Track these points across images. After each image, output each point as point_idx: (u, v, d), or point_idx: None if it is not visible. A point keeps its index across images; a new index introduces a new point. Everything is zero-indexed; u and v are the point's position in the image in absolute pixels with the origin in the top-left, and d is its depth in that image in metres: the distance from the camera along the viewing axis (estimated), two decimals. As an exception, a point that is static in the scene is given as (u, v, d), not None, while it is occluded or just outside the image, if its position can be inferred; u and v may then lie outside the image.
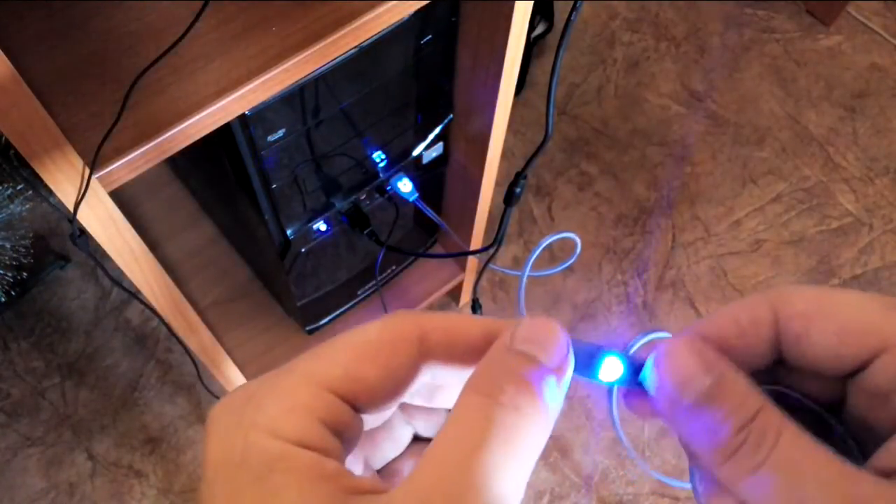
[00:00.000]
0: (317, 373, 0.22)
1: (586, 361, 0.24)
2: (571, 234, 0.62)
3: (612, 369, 0.25)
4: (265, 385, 0.22)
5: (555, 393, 0.22)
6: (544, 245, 0.58)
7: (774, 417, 0.21)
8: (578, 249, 0.63)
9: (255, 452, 0.20)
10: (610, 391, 0.30)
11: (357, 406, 0.22)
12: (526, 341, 0.22)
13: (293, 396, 0.21)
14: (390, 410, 0.25)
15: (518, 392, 0.21)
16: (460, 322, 0.24)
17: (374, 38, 0.58)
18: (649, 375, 0.24)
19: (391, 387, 0.23)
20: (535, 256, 0.54)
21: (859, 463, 0.21)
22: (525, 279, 0.54)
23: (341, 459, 0.21)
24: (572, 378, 0.24)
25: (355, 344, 0.23)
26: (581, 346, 0.24)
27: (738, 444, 0.21)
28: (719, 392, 0.22)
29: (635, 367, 0.24)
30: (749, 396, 0.22)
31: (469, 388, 0.22)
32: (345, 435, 0.22)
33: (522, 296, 0.57)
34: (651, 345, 0.25)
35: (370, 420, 0.25)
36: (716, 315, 0.24)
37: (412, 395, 0.25)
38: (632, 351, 0.25)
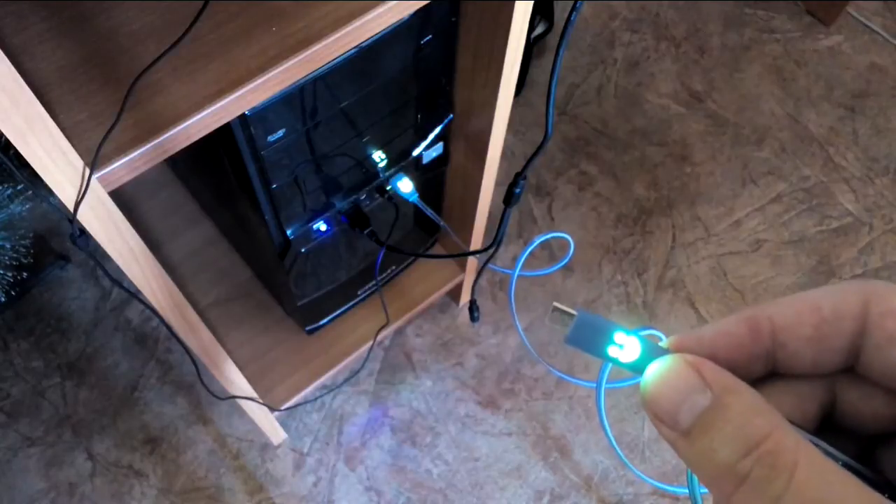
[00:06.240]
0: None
1: (600, 338, 0.22)
2: (564, 234, 0.61)
3: (627, 349, 0.22)
4: None
5: None
6: (536, 244, 0.58)
7: (790, 440, 0.18)
8: (572, 249, 0.63)
9: None
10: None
11: None
12: None
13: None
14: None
15: None
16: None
17: (374, 38, 0.58)
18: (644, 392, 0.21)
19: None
20: (525, 256, 0.54)
21: None
22: (515, 278, 0.54)
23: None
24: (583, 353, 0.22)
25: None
26: (595, 320, 0.22)
27: (746, 472, 0.18)
28: (720, 411, 0.18)
29: (650, 353, 0.22)
30: (757, 415, 0.18)
31: None
32: None
33: (513, 294, 0.57)
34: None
35: None
36: (794, 298, 0.21)
37: None
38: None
